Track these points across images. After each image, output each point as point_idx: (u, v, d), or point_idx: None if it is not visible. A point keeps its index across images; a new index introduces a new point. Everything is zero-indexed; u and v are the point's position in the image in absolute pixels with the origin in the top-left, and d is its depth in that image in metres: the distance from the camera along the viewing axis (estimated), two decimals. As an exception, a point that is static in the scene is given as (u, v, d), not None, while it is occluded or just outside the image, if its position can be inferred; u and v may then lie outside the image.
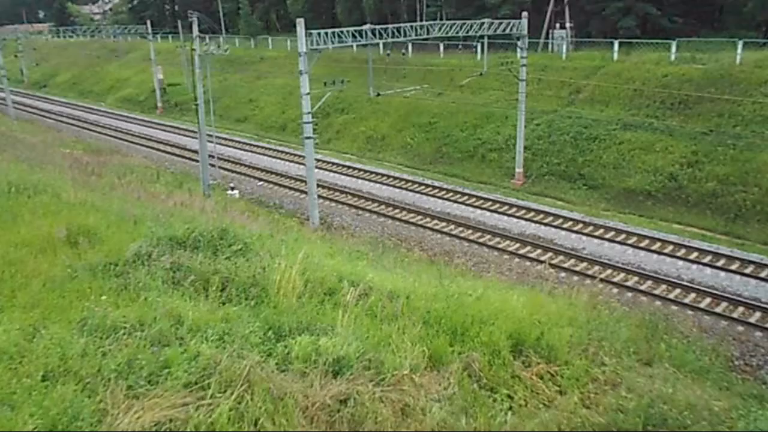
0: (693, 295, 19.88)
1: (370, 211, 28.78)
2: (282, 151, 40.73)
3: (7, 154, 26.02)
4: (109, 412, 6.04)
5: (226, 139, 42.90)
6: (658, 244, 23.55)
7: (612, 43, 39.85)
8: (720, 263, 21.84)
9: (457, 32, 29.80)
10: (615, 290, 20.23)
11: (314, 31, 23.76)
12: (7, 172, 17.75)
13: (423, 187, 32.01)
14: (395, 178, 33.75)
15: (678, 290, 20.23)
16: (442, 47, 50.17)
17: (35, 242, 10.83)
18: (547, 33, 49.52)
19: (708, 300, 19.53)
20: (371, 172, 34.90)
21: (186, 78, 42.34)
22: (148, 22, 56.50)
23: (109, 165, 32.29)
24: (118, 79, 69.61)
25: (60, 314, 8.08)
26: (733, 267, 21.50)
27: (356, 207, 29.39)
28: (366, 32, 26.19)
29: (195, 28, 28.02)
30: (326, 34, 24.29)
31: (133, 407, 6.11)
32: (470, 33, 30.69)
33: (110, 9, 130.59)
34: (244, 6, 74.99)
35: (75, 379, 6.50)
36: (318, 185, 26.68)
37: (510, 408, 7.84)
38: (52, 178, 18.68)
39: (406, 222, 27.15)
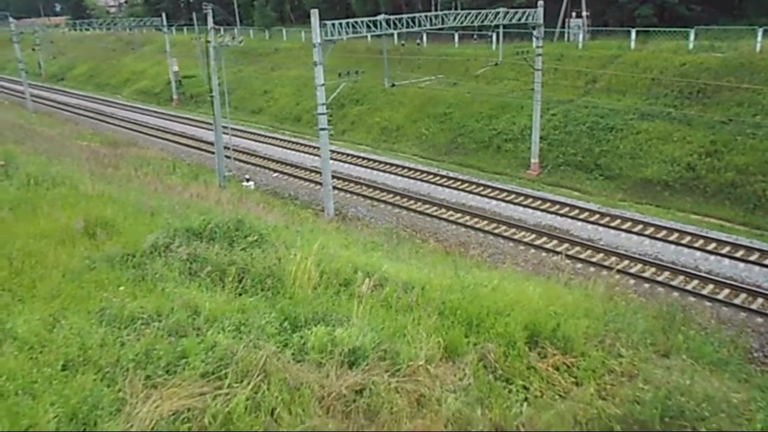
0: (711, 286, 19.70)
1: (385, 202, 28.77)
2: (297, 143, 40.81)
3: (25, 146, 26.30)
4: (128, 401, 6.12)
5: (241, 130, 43.05)
6: (676, 234, 23.34)
7: (629, 32, 39.40)
8: (739, 254, 21.61)
9: (472, 22, 29.61)
10: (632, 281, 20.10)
11: (329, 22, 23.72)
12: (25, 165, 17.96)
13: (438, 177, 31.93)
14: (410, 168, 33.69)
15: (696, 281, 20.05)
16: (456, 37, 49.88)
17: (54, 234, 10.97)
18: (563, 22, 48.99)
19: (726, 291, 19.34)
20: (386, 163, 34.87)
21: (201, 70, 42.51)
22: (163, 14, 56.70)
23: (126, 157, 32.57)
24: (134, 72, 70.06)
25: (79, 305, 8.19)
26: (753, 258, 21.26)
27: (371, 198, 29.40)
28: (380, 22, 26.10)
29: (210, 20, 28.07)
30: (341, 24, 24.23)
31: (152, 396, 6.18)
32: (485, 22, 30.48)
33: (126, 1, 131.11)
34: (258, -3, 74.99)
35: (94, 368, 6.60)
36: (333, 176, 26.73)
37: (525, 399, 7.82)
38: (69, 171, 18.88)
39: (421, 213, 27.12)
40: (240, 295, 9.12)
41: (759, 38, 33.35)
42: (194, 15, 51.78)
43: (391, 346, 7.66)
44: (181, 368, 6.67)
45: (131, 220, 12.34)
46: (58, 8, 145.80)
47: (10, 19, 59.36)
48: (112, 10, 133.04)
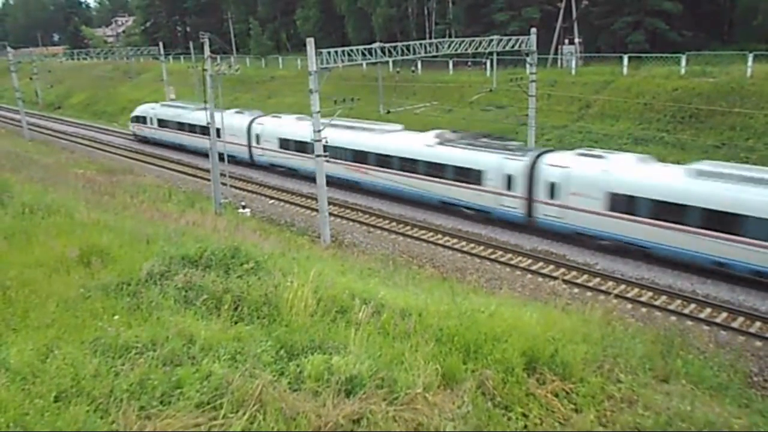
0: (709, 310, 19.64)
1: (381, 228, 28.74)
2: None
3: (21, 175, 26.32)
4: (122, 432, 6.03)
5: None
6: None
7: (621, 58, 39.90)
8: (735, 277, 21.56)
9: (467, 49, 29.95)
10: (629, 306, 20.02)
11: (324, 50, 23.96)
12: (21, 193, 17.94)
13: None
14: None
15: (693, 305, 20.00)
16: (451, 64, 50.41)
17: (49, 262, 10.92)
18: (556, 48, 49.62)
19: (724, 315, 19.28)
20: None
21: (198, 98, 42.78)
22: (161, 43, 57.29)
23: (122, 185, 32.57)
24: (131, 100, 70.31)
25: (73, 334, 8.11)
26: (750, 281, 21.21)
27: (367, 224, 29.37)
28: (375, 50, 26.37)
29: (206, 48, 28.33)
30: (336, 52, 24.47)
31: (146, 428, 6.10)
32: (479, 50, 30.83)
33: (123, 31, 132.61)
34: (254, 26, 75.88)
35: (87, 399, 6.51)
36: (329, 203, 26.72)
37: (525, 427, 7.74)
38: (65, 199, 18.86)
39: (418, 239, 27.08)
40: (236, 323, 9.06)
41: (749, 63, 33.80)
42: (191, 44, 52.35)
43: (388, 374, 7.59)
44: (176, 398, 6.59)
45: (127, 248, 12.30)
46: (56, 38, 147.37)
47: (8, 49, 59.82)
48: (110, 39, 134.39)
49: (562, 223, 24.91)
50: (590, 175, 23.65)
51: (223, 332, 8.47)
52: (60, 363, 7.12)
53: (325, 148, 24.70)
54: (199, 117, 40.95)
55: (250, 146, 39.07)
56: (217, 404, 6.52)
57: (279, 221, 30.54)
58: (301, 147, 34.11)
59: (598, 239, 24.03)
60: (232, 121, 39.47)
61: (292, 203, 33.50)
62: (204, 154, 39.93)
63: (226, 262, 11.05)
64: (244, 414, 6.42)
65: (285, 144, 35.29)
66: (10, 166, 30.64)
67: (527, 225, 26.43)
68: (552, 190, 24.87)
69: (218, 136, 37.04)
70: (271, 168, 38.34)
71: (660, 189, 22.00)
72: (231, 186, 33.52)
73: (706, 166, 22.21)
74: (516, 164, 26.15)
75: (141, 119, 51.40)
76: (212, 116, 28.77)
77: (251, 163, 39.66)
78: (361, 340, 8.54)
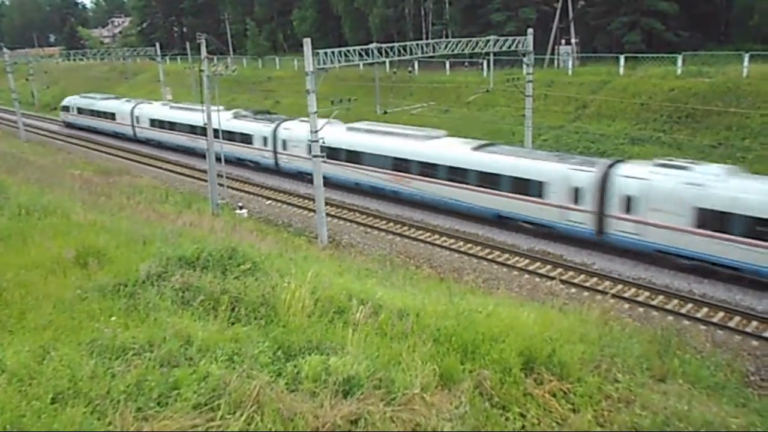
0: (705, 309, 19.68)
1: (378, 228, 28.74)
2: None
3: (17, 176, 26.25)
4: (119, 434, 6.01)
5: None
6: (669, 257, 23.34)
7: (618, 58, 39.97)
8: (733, 277, 21.59)
9: (463, 49, 29.98)
10: (626, 306, 20.06)
11: (321, 51, 23.95)
12: (17, 195, 17.89)
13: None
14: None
15: (690, 305, 20.04)
16: (448, 64, 50.44)
17: (45, 264, 10.89)
18: (553, 49, 49.69)
19: (721, 314, 19.32)
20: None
21: (195, 98, 42.82)
22: (157, 44, 57.16)
23: (119, 186, 32.51)
24: (128, 101, 70.21)
25: (70, 336, 8.09)
26: (746, 280, 21.25)
27: (364, 225, 29.37)
28: (372, 51, 26.37)
29: (203, 49, 28.28)
30: (333, 53, 24.47)
31: (143, 429, 6.08)
32: (476, 50, 30.86)
33: (120, 32, 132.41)
34: (251, 27, 75.82)
35: (84, 401, 6.49)
36: (326, 203, 26.71)
37: (523, 427, 7.75)
38: (62, 200, 18.81)
39: (415, 239, 27.09)
40: (233, 324, 9.05)
41: (745, 63, 33.90)
42: (188, 44, 52.45)
43: (386, 375, 7.59)
44: (173, 399, 6.57)
45: (123, 249, 12.27)
46: (52, 39, 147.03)
47: (4, 50, 59.60)
48: (107, 40, 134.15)
49: (291, 166, 36.68)
50: (303, 135, 32.11)
51: (221, 333, 8.46)
52: (57, 364, 7.10)
53: (173, 125, 37.33)
54: (105, 105, 56.18)
55: (133, 126, 51.53)
56: (214, 405, 6.51)
57: (276, 222, 30.52)
58: (159, 124, 48.27)
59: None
60: (121, 107, 53.62)
61: (289, 204, 33.48)
62: (109, 134, 54.89)
63: (223, 262, 11.03)
64: (242, 415, 6.42)
65: (153, 123, 49.29)
66: (6, 167, 30.55)
67: (276, 171, 37.66)
68: (284, 145, 36.71)
69: (114, 119, 54.03)
70: (147, 141, 50.23)
71: (347, 142, 32.43)
72: (228, 187, 33.48)
73: (364, 125, 34.06)
74: (268, 129, 37.82)
75: (66, 108, 62.01)
76: (209, 116, 28.70)
77: (135, 139, 51.62)
78: (358, 340, 8.53)
